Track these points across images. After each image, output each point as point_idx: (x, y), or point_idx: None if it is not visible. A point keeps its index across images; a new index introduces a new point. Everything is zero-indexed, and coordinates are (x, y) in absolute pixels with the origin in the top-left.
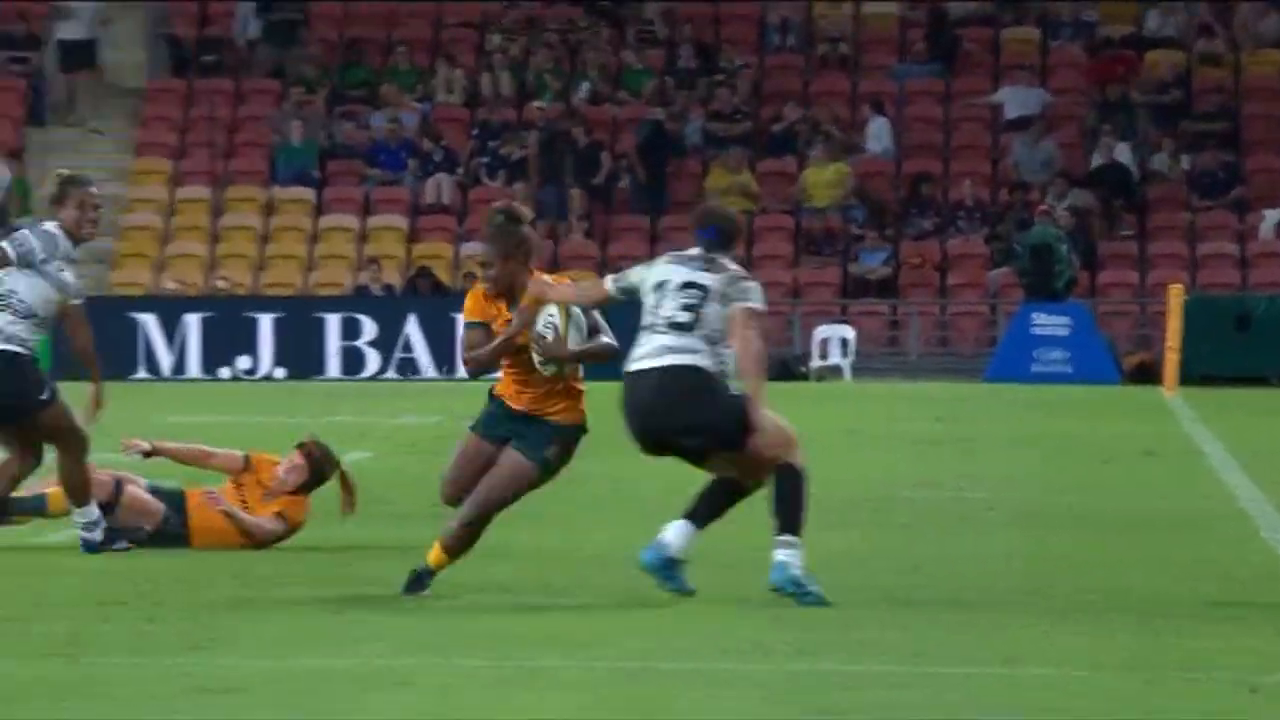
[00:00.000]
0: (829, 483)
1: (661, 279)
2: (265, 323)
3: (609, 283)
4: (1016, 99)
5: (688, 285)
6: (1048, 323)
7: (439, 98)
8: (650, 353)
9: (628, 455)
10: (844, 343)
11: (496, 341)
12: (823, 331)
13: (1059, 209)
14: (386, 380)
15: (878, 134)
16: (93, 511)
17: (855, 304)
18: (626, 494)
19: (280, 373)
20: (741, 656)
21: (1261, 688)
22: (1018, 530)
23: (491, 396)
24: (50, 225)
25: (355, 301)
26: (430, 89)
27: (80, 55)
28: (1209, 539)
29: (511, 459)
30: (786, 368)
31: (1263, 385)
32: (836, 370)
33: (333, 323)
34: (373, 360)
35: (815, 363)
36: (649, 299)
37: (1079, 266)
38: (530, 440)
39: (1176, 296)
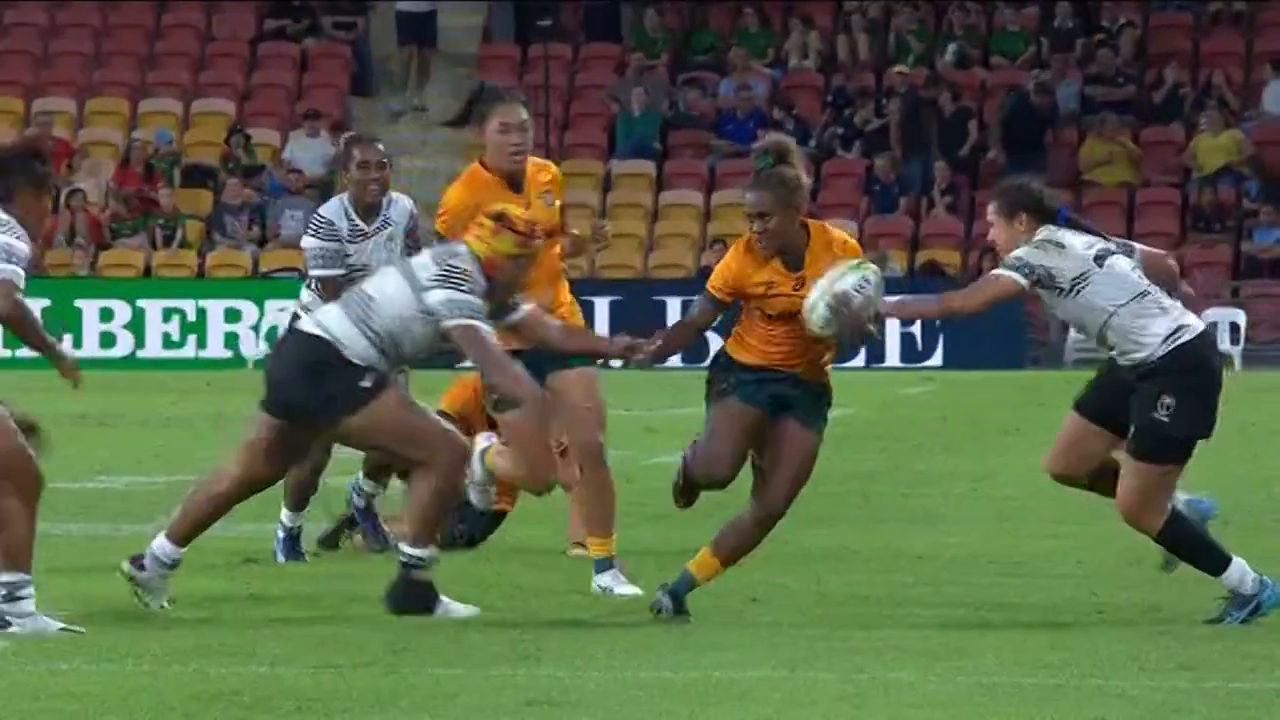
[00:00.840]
0: (1218, 483)
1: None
2: (601, 306)
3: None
4: None
5: None
6: None
7: (792, 63)
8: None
9: (990, 453)
10: (1234, 328)
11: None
12: (1210, 315)
13: None
14: None
15: (1277, 97)
16: None
17: (1248, 285)
18: (985, 495)
19: (616, 361)
20: (1115, 671)
21: None
22: None
23: (731, 360)
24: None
25: (699, 284)
26: (782, 53)
27: (418, 27)
28: None
29: (800, 437)
30: None
31: None
32: (1226, 359)
33: (674, 307)
34: (716, 347)
35: None
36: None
37: None
38: (807, 407)
39: None
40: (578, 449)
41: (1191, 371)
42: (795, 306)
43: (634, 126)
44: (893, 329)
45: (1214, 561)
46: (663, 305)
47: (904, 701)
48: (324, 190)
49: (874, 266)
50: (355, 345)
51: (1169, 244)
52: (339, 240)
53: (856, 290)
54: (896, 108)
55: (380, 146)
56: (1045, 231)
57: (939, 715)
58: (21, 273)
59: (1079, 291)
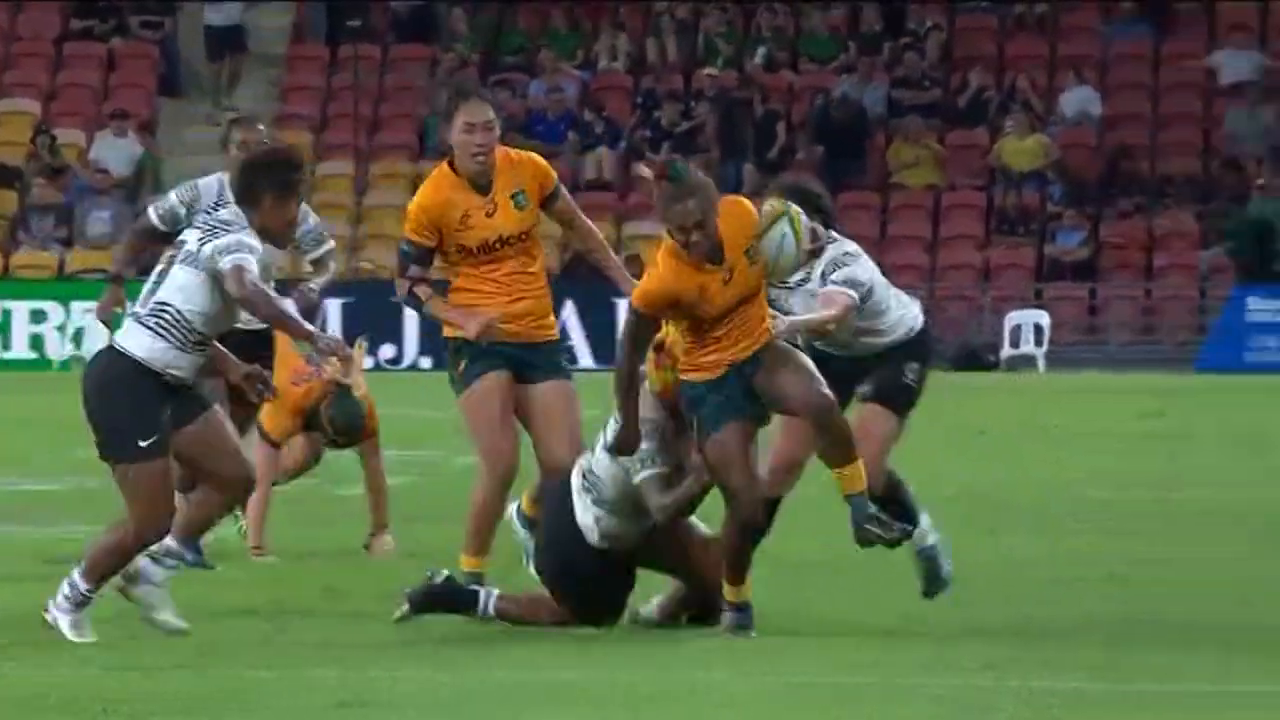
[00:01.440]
0: (1019, 484)
1: None
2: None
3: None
4: (1232, 63)
5: None
6: (1264, 308)
7: (601, 64)
8: None
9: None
10: (1038, 330)
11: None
12: (1015, 318)
13: (1277, 184)
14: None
15: (1079, 102)
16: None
17: (1051, 288)
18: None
19: (426, 362)
20: (922, 671)
21: None
22: (1231, 536)
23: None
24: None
25: None
26: (592, 55)
27: (227, 35)
28: None
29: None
30: (975, 356)
31: None
32: (1030, 360)
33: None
34: None
35: (1006, 351)
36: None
37: None
38: None
39: None
40: (546, 470)
41: (927, 345)
42: (730, 301)
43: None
44: None
45: (912, 519)
46: None
47: (713, 701)
48: (131, 190)
49: (785, 212)
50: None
51: (975, 246)
52: (191, 207)
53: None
54: (706, 110)
55: (262, 128)
56: (841, 243)
57: (748, 715)
58: (253, 260)
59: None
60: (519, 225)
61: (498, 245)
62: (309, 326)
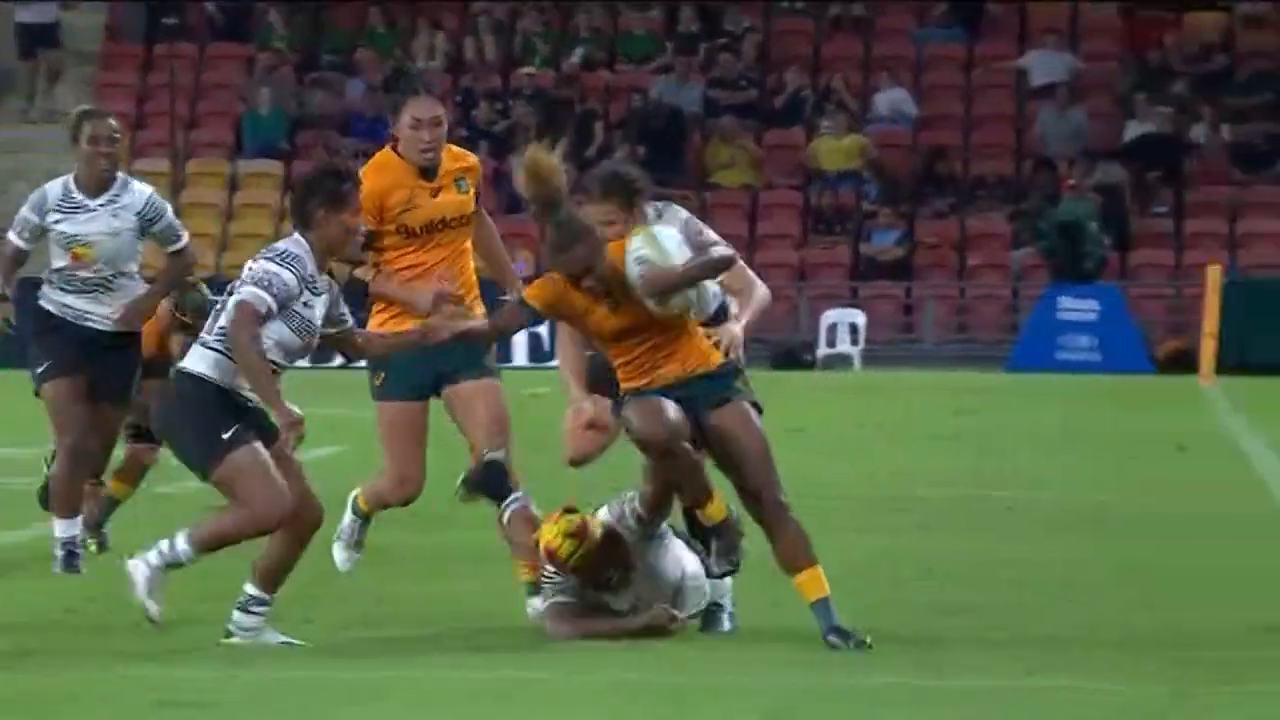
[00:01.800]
0: (836, 481)
1: None
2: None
3: None
4: (1043, 65)
5: None
6: (1075, 307)
7: (419, 63)
8: None
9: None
10: (854, 329)
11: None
12: (831, 316)
13: (1088, 184)
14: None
15: (893, 103)
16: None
17: (866, 287)
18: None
19: None
20: (742, 669)
21: None
22: (1040, 533)
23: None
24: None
25: None
26: (410, 54)
27: (40, 35)
28: (1247, 547)
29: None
30: (792, 355)
31: None
32: (845, 359)
33: None
34: None
35: (823, 350)
36: None
37: (1109, 246)
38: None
39: (1215, 278)
40: (476, 459)
41: None
42: (617, 328)
43: (261, 126)
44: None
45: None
46: None
47: (538, 698)
48: None
49: (646, 233)
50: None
51: (791, 245)
52: (40, 214)
53: (636, 264)
54: (524, 109)
55: (113, 122)
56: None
57: (573, 713)
58: (268, 299)
59: None
60: (460, 209)
61: (440, 226)
62: (276, 393)
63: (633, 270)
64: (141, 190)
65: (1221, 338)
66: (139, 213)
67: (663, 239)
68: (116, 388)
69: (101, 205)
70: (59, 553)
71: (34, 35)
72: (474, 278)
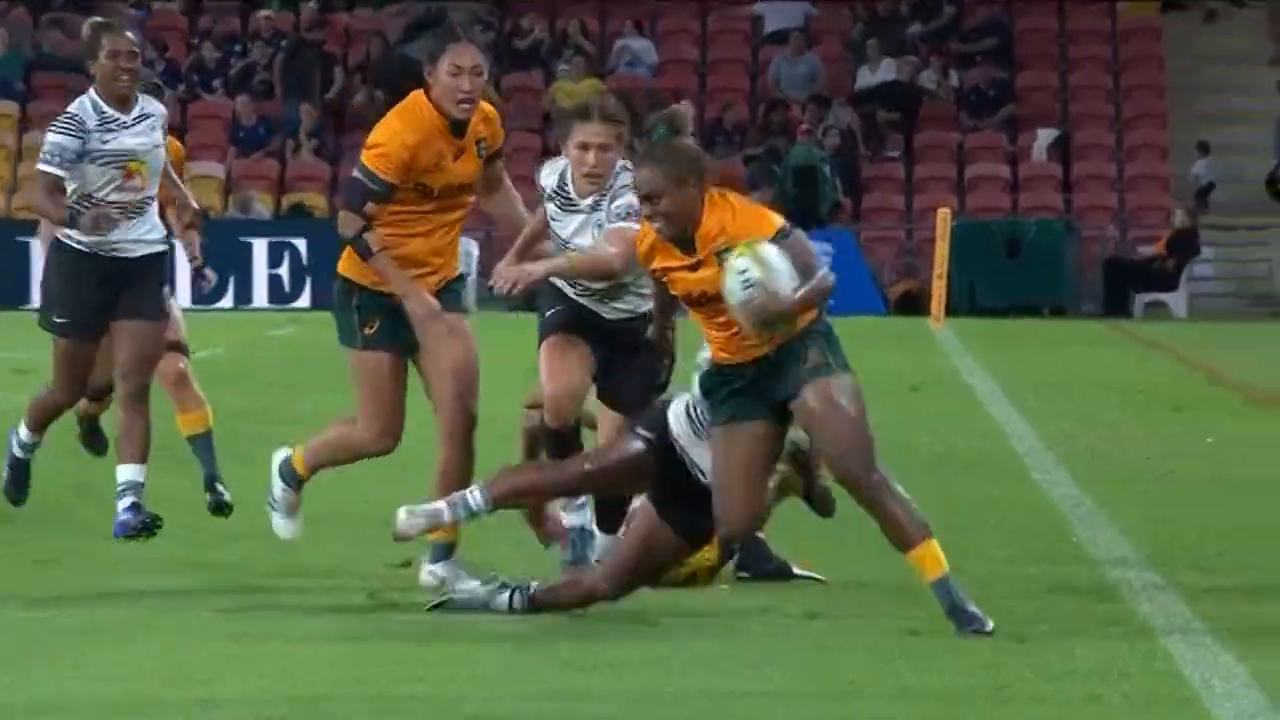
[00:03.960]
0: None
1: None
2: None
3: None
4: (777, 12)
5: None
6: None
7: (157, 4)
8: None
9: None
10: None
11: None
12: None
13: (821, 129)
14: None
15: (633, 49)
16: None
17: None
18: None
19: None
20: (487, 678)
21: (1030, 638)
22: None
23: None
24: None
25: None
26: None
27: None
28: (979, 482)
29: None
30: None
31: (1034, 315)
32: None
33: (36, 247)
34: None
35: None
36: None
37: (842, 190)
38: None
39: (944, 222)
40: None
41: None
42: (692, 289)
43: None
44: (261, 272)
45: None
46: (26, 246)
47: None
48: None
49: (752, 253)
50: None
51: (531, 186)
52: (83, 136)
53: (743, 289)
54: (263, 51)
55: (130, 34)
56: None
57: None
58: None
59: None
60: (474, 174)
61: (457, 191)
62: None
63: (737, 293)
64: (158, 103)
65: (950, 280)
66: (163, 126)
67: (771, 260)
68: (149, 306)
69: (134, 120)
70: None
71: None
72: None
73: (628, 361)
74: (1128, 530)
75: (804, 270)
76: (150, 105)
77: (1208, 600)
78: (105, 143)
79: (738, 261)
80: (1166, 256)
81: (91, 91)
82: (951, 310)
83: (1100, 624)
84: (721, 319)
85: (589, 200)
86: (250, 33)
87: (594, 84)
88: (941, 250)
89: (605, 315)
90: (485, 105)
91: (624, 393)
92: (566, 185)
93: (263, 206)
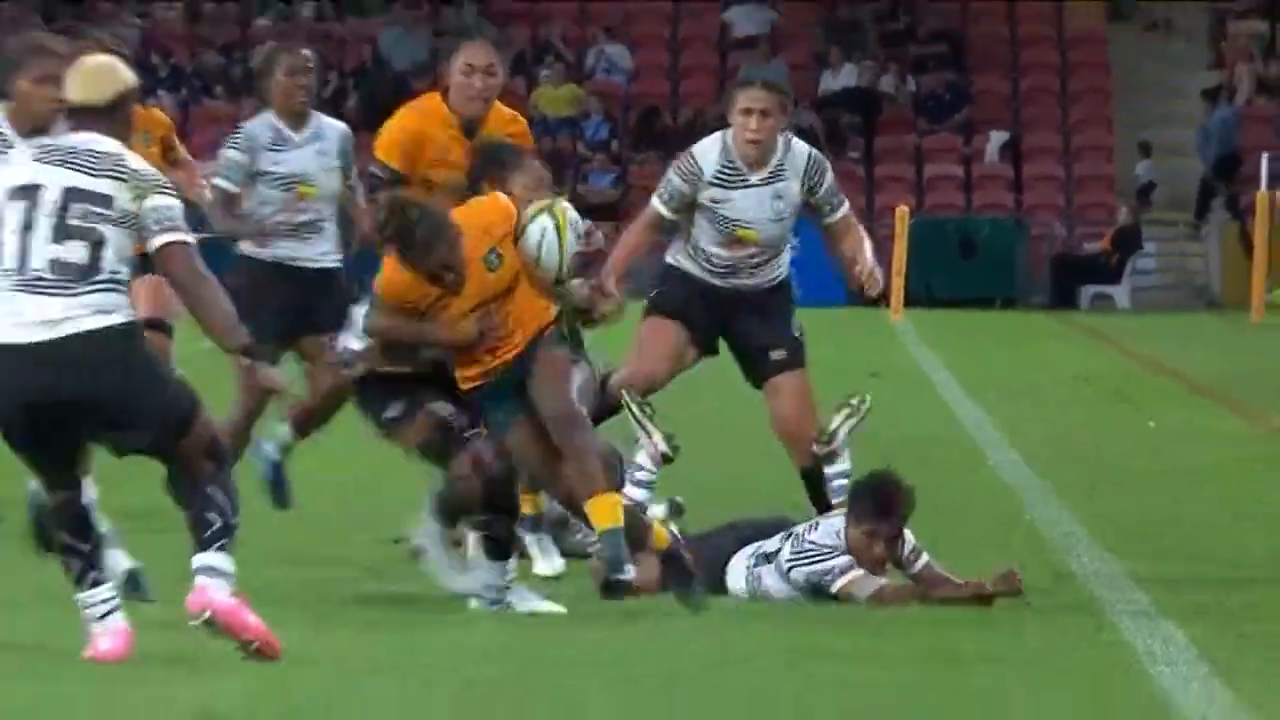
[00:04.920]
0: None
1: None
2: None
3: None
4: (745, 19)
5: None
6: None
7: (159, 13)
8: None
9: None
10: None
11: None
12: None
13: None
14: None
15: (609, 55)
16: None
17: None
18: None
19: None
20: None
21: (982, 612)
22: (738, 456)
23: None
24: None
25: None
26: (149, 6)
27: None
28: (934, 465)
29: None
30: None
31: (987, 307)
32: None
33: None
34: None
35: None
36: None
37: None
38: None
39: (902, 220)
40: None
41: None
42: (466, 307)
43: None
44: None
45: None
46: None
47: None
48: None
49: (547, 208)
50: None
51: None
52: (252, 152)
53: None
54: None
55: (306, 52)
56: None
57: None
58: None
59: None
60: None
61: (459, 190)
62: None
63: (533, 237)
64: (336, 123)
65: (908, 274)
66: (341, 147)
67: (548, 243)
68: (333, 320)
69: (306, 140)
70: None
71: None
72: None
73: (760, 311)
74: (1076, 511)
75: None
76: (323, 125)
77: (1151, 576)
78: (276, 163)
79: (540, 220)
80: (1111, 252)
81: (267, 113)
82: (909, 303)
83: (1050, 599)
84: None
85: (761, 174)
86: (249, 39)
87: (574, 89)
88: (900, 247)
89: (747, 285)
90: (508, 111)
91: (755, 338)
92: (733, 159)
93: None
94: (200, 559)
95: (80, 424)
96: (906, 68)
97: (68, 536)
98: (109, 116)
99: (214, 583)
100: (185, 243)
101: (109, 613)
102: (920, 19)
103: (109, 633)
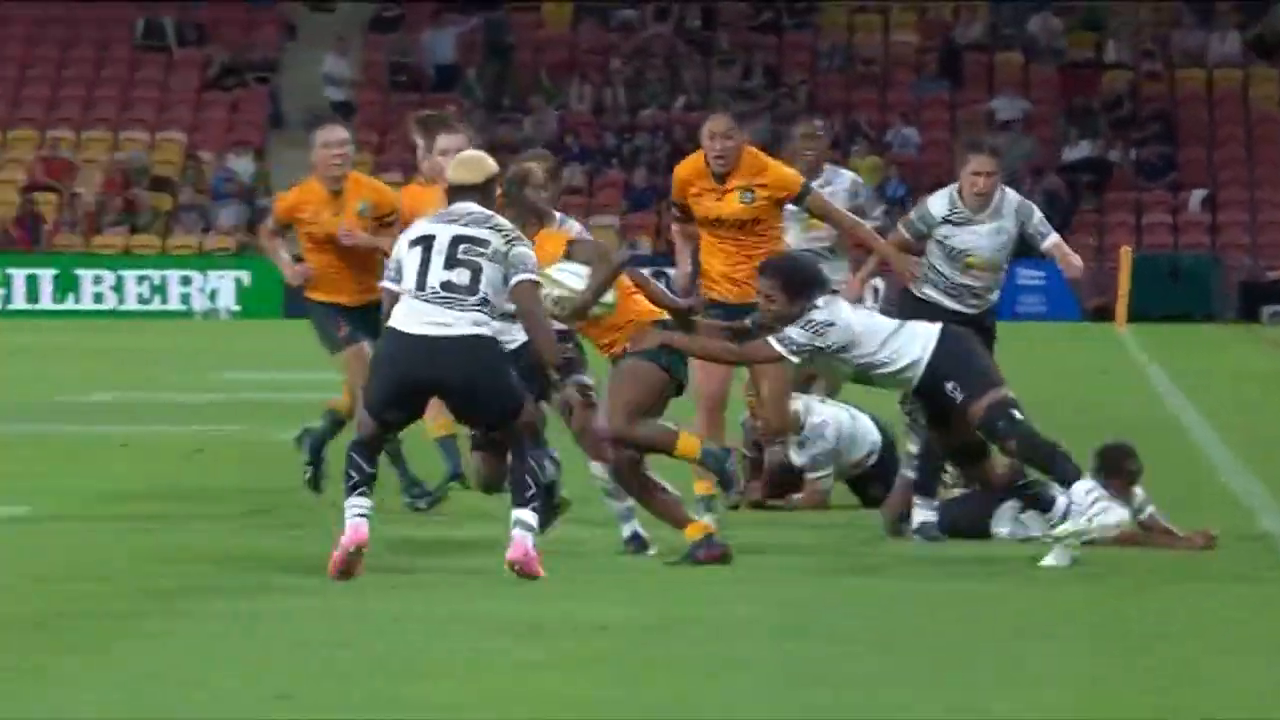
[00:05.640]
0: None
1: None
2: None
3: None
4: (1006, 106)
5: None
6: (1029, 275)
7: (573, 106)
8: None
9: None
10: (875, 291)
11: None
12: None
13: (1039, 190)
14: None
15: (903, 135)
16: None
17: None
18: None
19: None
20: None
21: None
22: None
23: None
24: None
25: None
26: (565, 99)
27: None
28: (1149, 441)
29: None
30: None
31: (1189, 321)
32: None
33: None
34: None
35: None
36: None
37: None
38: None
39: (1126, 256)
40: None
41: None
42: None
43: None
44: None
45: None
46: None
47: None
48: (248, 195)
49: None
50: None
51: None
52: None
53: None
54: (646, 139)
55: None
56: None
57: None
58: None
59: None
60: (737, 213)
61: (723, 224)
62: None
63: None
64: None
65: (1131, 296)
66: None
67: (555, 275)
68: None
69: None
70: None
71: None
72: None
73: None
74: (1262, 479)
75: (598, 261)
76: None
77: None
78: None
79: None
80: None
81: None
82: (1131, 318)
83: (1235, 553)
84: None
85: (984, 215)
86: (637, 125)
87: (876, 160)
88: (1124, 276)
89: (970, 312)
90: (760, 162)
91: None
92: (958, 207)
93: (647, 245)
94: (518, 513)
95: (441, 399)
96: (1129, 143)
97: (361, 461)
98: (481, 191)
99: (526, 535)
100: (535, 282)
101: (357, 515)
102: (1140, 107)
103: (353, 528)
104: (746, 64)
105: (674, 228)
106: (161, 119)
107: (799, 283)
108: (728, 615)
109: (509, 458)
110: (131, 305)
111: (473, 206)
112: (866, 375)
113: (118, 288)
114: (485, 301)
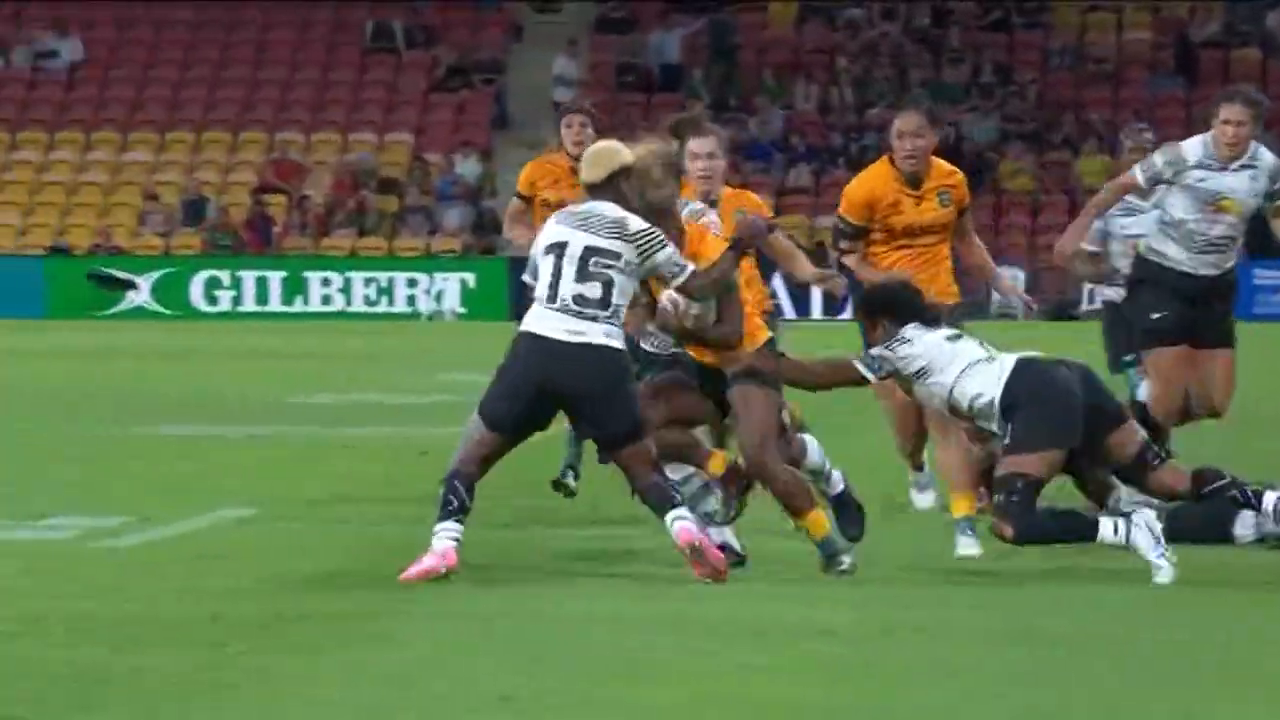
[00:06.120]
0: None
1: None
2: None
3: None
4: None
5: None
6: (1267, 275)
7: (798, 105)
8: None
9: None
10: None
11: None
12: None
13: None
14: None
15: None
16: None
17: None
18: None
19: None
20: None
21: None
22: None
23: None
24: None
25: None
26: (791, 99)
27: None
28: None
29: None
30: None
31: None
32: None
33: None
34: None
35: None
36: None
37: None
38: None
39: None
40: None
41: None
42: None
43: None
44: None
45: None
46: None
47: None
48: (474, 195)
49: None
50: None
51: (1058, 231)
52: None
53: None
54: (871, 138)
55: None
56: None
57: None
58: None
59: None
60: (934, 219)
61: (917, 232)
62: None
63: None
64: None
65: None
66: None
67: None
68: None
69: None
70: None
71: None
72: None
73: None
74: None
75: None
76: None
77: None
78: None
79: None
80: None
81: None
82: None
83: None
84: None
85: (1237, 164)
86: (865, 124)
87: (1105, 161)
88: None
89: (1205, 274)
90: (948, 166)
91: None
92: (1211, 154)
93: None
94: (670, 514)
95: (564, 409)
96: None
97: (464, 489)
98: (609, 188)
99: (688, 524)
100: (693, 271)
101: (449, 539)
102: None
103: (444, 551)
104: (975, 63)
105: (849, 261)
106: (389, 120)
107: (892, 310)
108: (951, 620)
109: (633, 492)
110: (358, 307)
111: (603, 208)
112: (954, 407)
113: (345, 290)
114: (617, 314)
